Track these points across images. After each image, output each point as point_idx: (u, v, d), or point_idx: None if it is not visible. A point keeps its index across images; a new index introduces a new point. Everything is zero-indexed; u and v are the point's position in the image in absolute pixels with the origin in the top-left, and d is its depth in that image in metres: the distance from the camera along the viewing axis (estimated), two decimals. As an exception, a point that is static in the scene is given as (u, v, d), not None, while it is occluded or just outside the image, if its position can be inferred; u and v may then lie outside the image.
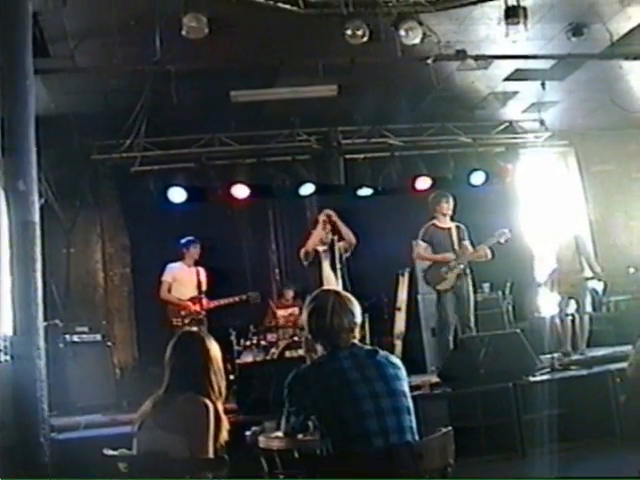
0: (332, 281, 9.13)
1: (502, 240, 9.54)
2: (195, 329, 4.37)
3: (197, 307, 10.15)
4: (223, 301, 10.44)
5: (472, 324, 9.39)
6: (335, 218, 9.53)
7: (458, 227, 9.72)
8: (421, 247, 9.73)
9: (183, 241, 10.48)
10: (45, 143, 6.94)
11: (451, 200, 9.76)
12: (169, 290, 10.25)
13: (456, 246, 9.57)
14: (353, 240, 9.54)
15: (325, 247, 9.45)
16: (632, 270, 10.57)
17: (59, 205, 11.07)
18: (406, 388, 3.76)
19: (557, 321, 10.37)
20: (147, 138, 10.58)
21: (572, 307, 10.28)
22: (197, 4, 7.95)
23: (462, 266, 9.46)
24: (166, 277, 10.29)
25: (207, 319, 10.25)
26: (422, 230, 9.72)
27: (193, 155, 11.77)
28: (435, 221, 9.74)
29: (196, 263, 10.46)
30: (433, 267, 9.64)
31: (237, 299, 10.53)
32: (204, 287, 10.28)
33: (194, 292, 10.20)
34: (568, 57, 10.15)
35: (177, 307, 10.11)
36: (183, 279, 10.32)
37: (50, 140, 7.46)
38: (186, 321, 9.96)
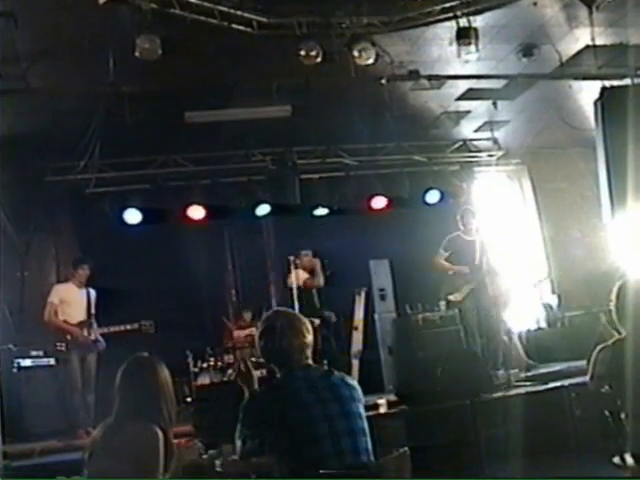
0: None
1: None
2: (145, 354, 4.24)
3: (85, 333, 9.18)
4: (113, 328, 9.42)
5: None
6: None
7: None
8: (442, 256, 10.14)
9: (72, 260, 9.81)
10: (-3, 165, 6.86)
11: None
12: (55, 313, 9.20)
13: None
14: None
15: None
16: None
17: (13, 228, 10.90)
18: (362, 409, 3.75)
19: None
20: (102, 159, 10.48)
21: None
22: (150, 25, 7.92)
23: None
24: (52, 298, 9.26)
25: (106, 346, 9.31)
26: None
27: (148, 176, 11.68)
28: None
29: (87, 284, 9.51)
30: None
31: (128, 327, 9.52)
32: (93, 310, 9.36)
33: (83, 316, 9.28)
34: (519, 77, 10.35)
35: (62, 332, 9.12)
36: (71, 300, 9.33)
37: (2, 162, 7.37)
38: (71, 347, 9.03)
